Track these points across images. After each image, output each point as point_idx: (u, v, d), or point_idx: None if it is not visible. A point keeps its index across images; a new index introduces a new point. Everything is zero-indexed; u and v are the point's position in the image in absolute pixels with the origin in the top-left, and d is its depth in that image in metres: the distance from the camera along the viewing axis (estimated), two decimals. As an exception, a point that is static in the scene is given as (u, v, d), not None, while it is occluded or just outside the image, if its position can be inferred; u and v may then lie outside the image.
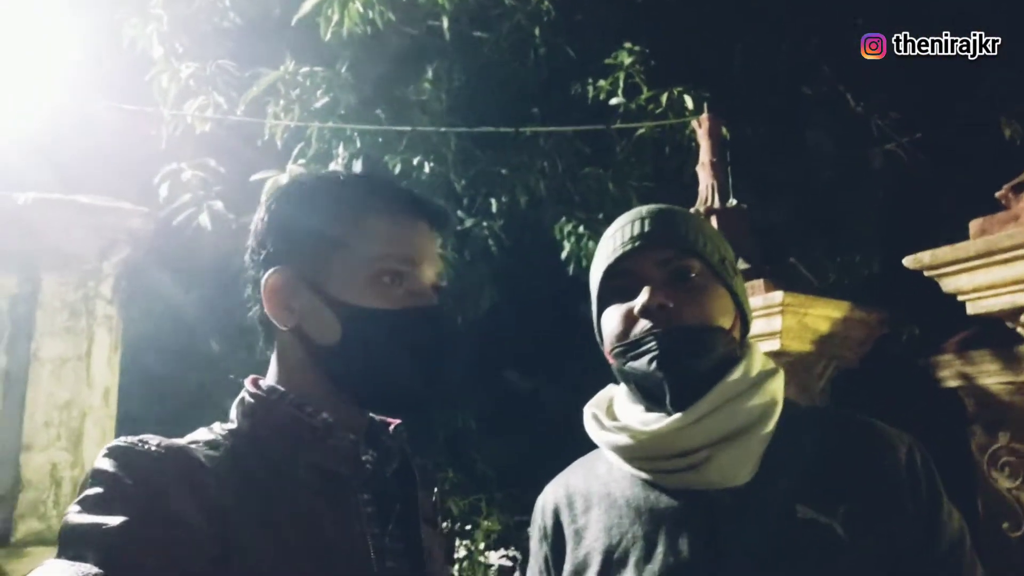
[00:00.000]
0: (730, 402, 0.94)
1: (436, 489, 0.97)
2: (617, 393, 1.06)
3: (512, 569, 5.92)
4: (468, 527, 5.76)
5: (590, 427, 1.04)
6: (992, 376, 3.35)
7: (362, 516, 0.85)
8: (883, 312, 3.07)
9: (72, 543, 0.71)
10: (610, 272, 1.00)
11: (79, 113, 3.52)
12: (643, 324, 0.96)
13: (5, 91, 3.35)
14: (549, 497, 1.09)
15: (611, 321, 1.00)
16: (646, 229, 0.98)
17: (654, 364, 0.93)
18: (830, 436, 0.96)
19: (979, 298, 2.23)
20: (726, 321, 0.97)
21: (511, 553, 6.26)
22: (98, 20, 3.78)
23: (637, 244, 0.98)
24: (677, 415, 0.94)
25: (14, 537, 2.81)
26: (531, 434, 5.81)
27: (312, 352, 0.87)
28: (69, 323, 3.07)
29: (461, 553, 6.07)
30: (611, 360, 1.02)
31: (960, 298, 2.28)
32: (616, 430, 0.99)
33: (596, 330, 1.05)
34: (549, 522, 1.06)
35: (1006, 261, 2.12)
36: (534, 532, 1.10)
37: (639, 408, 1.00)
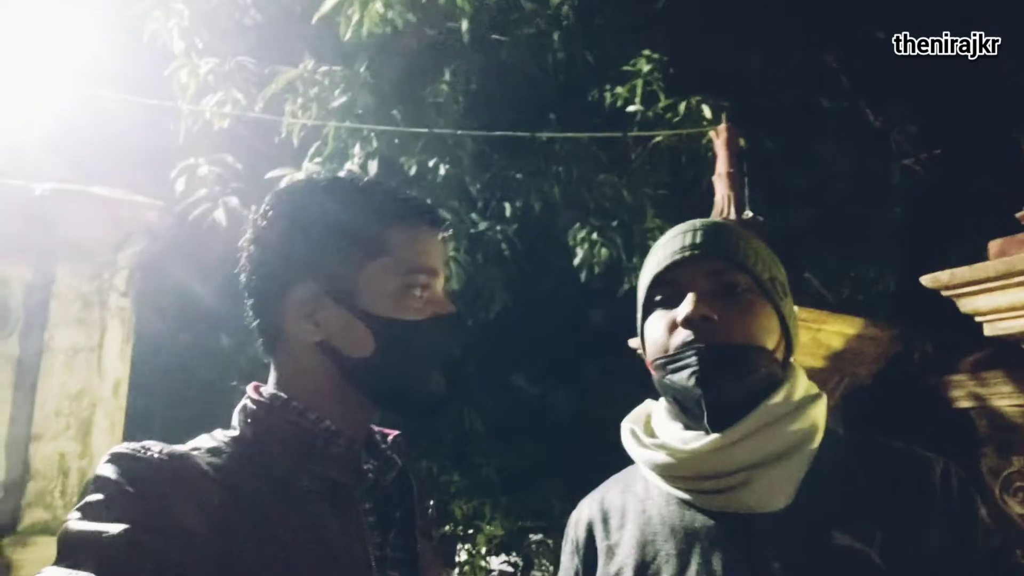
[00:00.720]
0: (771, 425, 0.92)
1: (432, 502, 0.97)
2: (655, 408, 1.05)
3: (512, 575, 5.91)
4: (470, 531, 5.76)
5: (628, 443, 1.03)
6: (1005, 398, 3.31)
7: (363, 525, 0.84)
8: (896, 329, 3.05)
9: (71, 550, 0.71)
10: (657, 280, 0.99)
11: (98, 106, 3.54)
12: (684, 334, 0.94)
13: (24, 83, 3.37)
14: (584, 512, 1.08)
15: (654, 330, 0.99)
16: (698, 240, 0.98)
17: (693, 380, 0.92)
18: (868, 463, 0.94)
19: (997, 319, 2.20)
20: (770, 340, 0.96)
21: (512, 559, 6.25)
22: (119, 13, 3.81)
23: (687, 255, 0.97)
24: (716, 435, 0.93)
25: (20, 525, 2.82)
26: (538, 439, 5.81)
27: (341, 365, 0.87)
28: (82, 314, 3.09)
29: (462, 557, 6.06)
30: (652, 371, 1.00)
31: (978, 319, 2.26)
32: (654, 447, 0.98)
33: (640, 338, 1.04)
34: (582, 536, 1.05)
35: (1025, 283, 2.09)
36: (566, 545, 1.09)
37: (678, 425, 0.99)
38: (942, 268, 2.30)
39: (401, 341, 0.86)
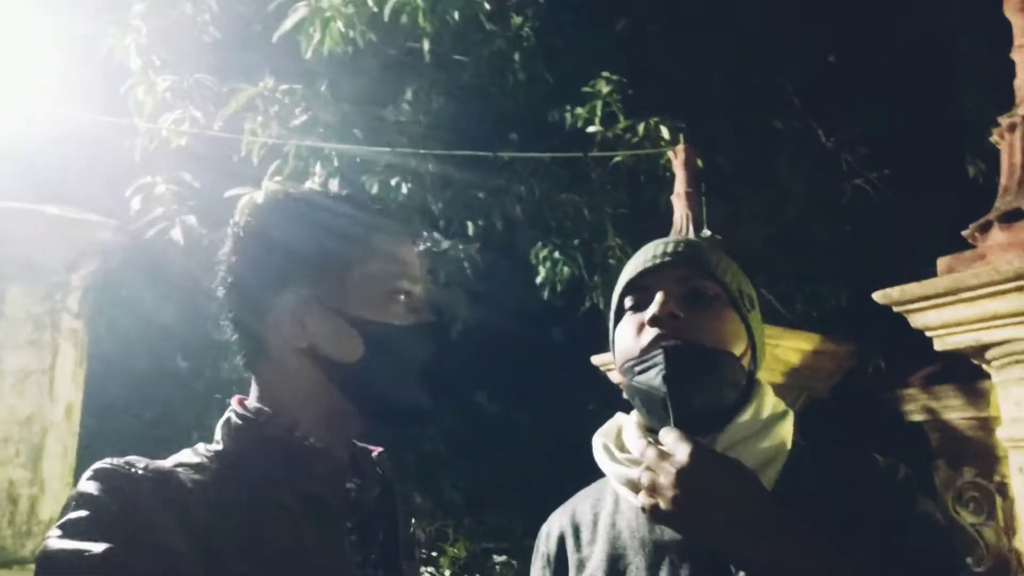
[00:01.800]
0: (739, 444, 0.93)
1: (414, 521, 0.96)
2: (626, 422, 1.05)
3: (477, 597, 5.86)
4: (434, 553, 5.70)
5: (600, 457, 1.03)
6: (956, 411, 3.40)
7: (345, 544, 0.84)
8: (852, 345, 3.12)
9: (51, 570, 0.69)
10: (629, 286, 1.01)
11: (52, 122, 3.47)
12: (652, 332, 0.95)
13: (-24, 98, 3.30)
14: (555, 525, 1.08)
15: (624, 334, 1.00)
16: (669, 250, 1.01)
17: (660, 379, 0.92)
18: (829, 473, 0.96)
19: (946, 334, 2.27)
20: (736, 347, 0.97)
21: (476, 580, 6.20)
22: (75, 28, 3.74)
23: (659, 262, 0.99)
24: None
25: (-34, 555, 2.72)
26: (501, 459, 5.79)
27: (328, 371, 0.86)
28: (34, 336, 3.01)
29: (426, 579, 6.01)
30: (621, 377, 1.01)
31: (928, 334, 2.32)
32: (626, 462, 0.98)
33: (611, 346, 1.05)
34: (553, 550, 1.06)
35: (972, 299, 2.16)
36: (537, 559, 1.09)
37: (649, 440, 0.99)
38: (894, 284, 2.37)
39: (389, 345, 0.87)
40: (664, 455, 0.84)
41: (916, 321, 2.32)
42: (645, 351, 0.95)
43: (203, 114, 3.79)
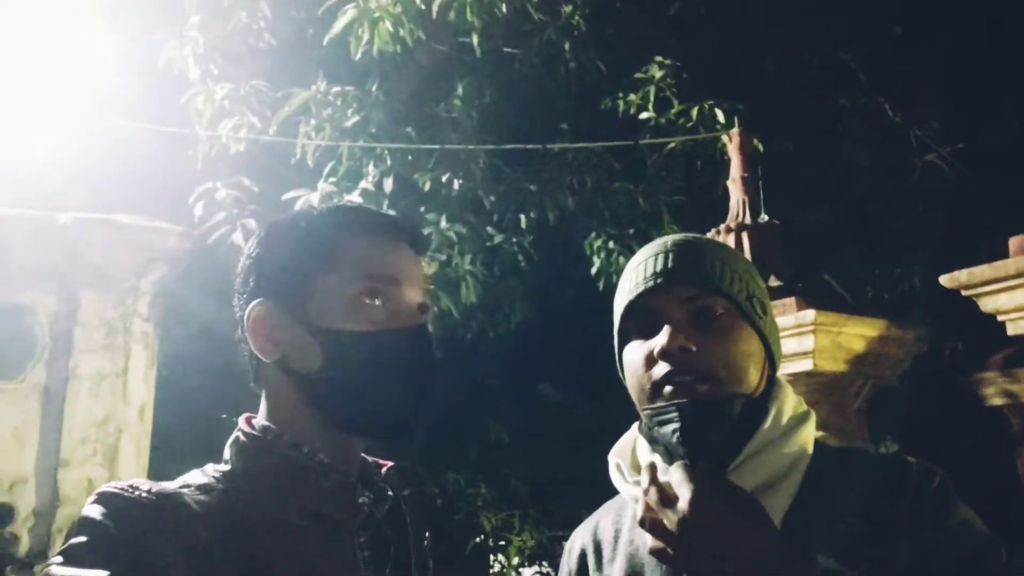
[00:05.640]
0: (760, 453, 0.91)
1: (428, 533, 0.95)
2: (640, 438, 1.02)
3: (545, 585, 5.89)
4: (502, 543, 5.75)
5: (614, 477, 1.02)
6: (1038, 395, 3.24)
7: (359, 561, 0.83)
8: (921, 329, 2.98)
9: None
10: (631, 308, 0.96)
11: (117, 135, 3.61)
12: (663, 367, 0.92)
13: (45, 113, 3.45)
14: (578, 541, 1.07)
15: (632, 361, 0.96)
16: (669, 265, 0.94)
17: (676, 437, 0.90)
18: (851, 478, 0.93)
19: (1020, 318, 2.15)
20: (752, 363, 0.93)
21: (544, 570, 6.22)
22: (136, 42, 3.88)
23: (660, 281, 0.94)
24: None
25: (51, 552, 2.86)
26: (564, 448, 5.78)
27: (296, 383, 0.85)
28: (107, 340, 3.14)
29: (495, 569, 6.06)
30: (640, 412, 0.99)
31: (1000, 318, 2.21)
32: (638, 485, 0.94)
33: (618, 364, 1.01)
34: (575, 566, 1.06)
35: (1048, 280, 2.04)
36: (561, 573, 1.09)
37: (662, 458, 0.97)
38: (970, 264, 2.25)
39: (351, 353, 0.83)
40: (666, 497, 0.81)
41: (987, 305, 2.21)
42: (658, 386, 0.92)
43: (259, 119, 3.89)
